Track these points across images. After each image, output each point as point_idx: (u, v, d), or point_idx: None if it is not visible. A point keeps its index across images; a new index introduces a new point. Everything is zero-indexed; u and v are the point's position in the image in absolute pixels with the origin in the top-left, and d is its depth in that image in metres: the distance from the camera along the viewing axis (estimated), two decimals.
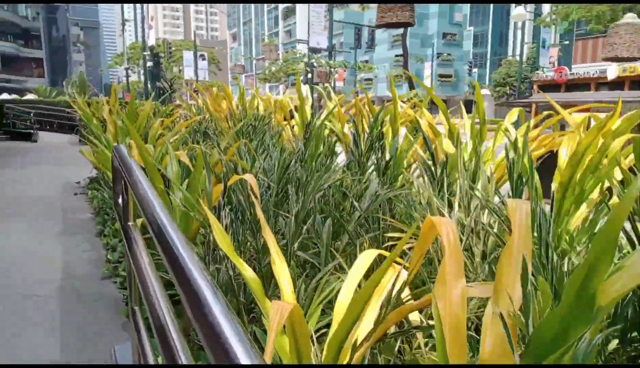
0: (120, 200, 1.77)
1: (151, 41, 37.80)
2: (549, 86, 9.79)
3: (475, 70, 57.87)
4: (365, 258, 1.42)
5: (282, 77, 51.59)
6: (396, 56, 63.93)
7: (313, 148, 2.85)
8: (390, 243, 1.75)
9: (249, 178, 1.82)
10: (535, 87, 10.12)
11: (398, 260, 1.52)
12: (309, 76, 24.22)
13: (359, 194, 2.50)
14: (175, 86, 53.58)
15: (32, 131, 15.75)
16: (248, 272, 1.37)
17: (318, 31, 26.52)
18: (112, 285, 3.08)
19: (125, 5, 57.81)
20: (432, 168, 2.47)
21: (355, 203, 1.95)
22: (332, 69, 29.03)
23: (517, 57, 50.30)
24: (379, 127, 2.82)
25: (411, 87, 24.39)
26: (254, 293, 1.39)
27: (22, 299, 2.85)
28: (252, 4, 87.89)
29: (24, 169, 8.76)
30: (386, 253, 1.46)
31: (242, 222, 2.26)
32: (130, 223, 1.59)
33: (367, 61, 59.54)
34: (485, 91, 54.90)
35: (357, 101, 3.56)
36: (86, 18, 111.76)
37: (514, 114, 3.36)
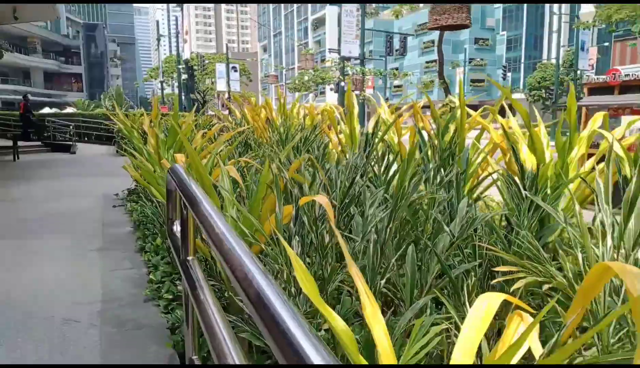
0: (175, 228, 1.52)
1: (186, 55, 38.44)
2: (601, 89, 9.19)
3: (509, 74, 56.54)
4: (488, 305, 1.11)
5: (312, 86, 51.67)
6: (426, 62, 63.18)
7: (380, 161, 2.55)
8: (499, 279, 1.43)
9: (321, 200, 1.54)
10: (585, 90, 9.53)
11: (523, 305, 1.20)
12: (342, 83, 23.99)
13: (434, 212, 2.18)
14: (207, 98, 54.50)
15: (71, 143, 16.08)
16: (339, 323, 1.09)
17: (349, 40, 26.29)
18: (155, 308, 2.85)
19: (160, 21, 59.37)
20: (519, 183, 2.14)
21: (446, 228, 1.64)
22: (366, 77, 28.74)
23: (553, 61, 48.71)
24: (453, 138, 2.50)
25: (447, 93, 23.88)
26: (346, 348, 1.11)
27: (60, 326, 2.66)
28: (283, 17, 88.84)
29: (62, 180, 8.82)
30: (514, 300, 1.14)
31: (302, 245, 1.98)
32: (190, 258, 1.33)
33: (397, 68, 58.94)
34: (520, 95, 53.44)
35: (417, 107, 3.25)
36: (123, 34, 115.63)
37: (598, 119, 2.98)
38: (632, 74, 8.60)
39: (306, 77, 43.25)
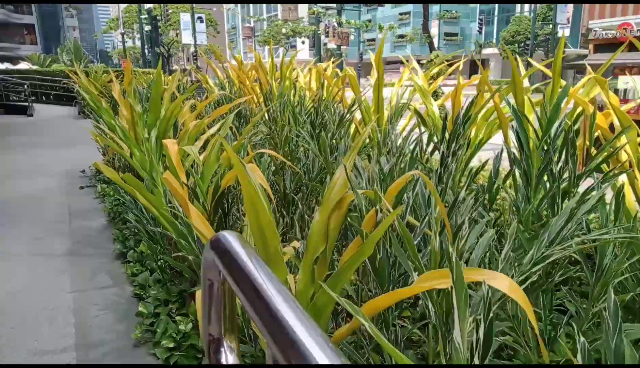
0: (225, 358, 0.76)
1: (147, 3, 35.51)
2: (610, 45, 8.59)
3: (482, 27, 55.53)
4: None
5: (282, 39, 49.31)
6: (400, 14, 61.23)
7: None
8: None
9: (507, 287, 0.81)
10: (590, 46, 8.91)
11: None
12: (323, 37, 22.64)
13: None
14: (172, 51, 51.45)
15: (27, 104, 14.54)
16: None
17: None
18: (151, 358, 2.10)
19: None
20: None
21: None
22: (352, 29, 27.24)
23: (525, 14, 47.76)
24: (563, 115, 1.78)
25: (431, 48, 23.11)
26: None
27: None
28: None
29: (18, 152, 7.70)
30: None
31: None
32: None
33: (369, 20, 57.01)
34: (493, 50, 52.69)
35: (485, 74, 2.48)
36: None
37: None
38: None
39: (283, 30, 40.74)
